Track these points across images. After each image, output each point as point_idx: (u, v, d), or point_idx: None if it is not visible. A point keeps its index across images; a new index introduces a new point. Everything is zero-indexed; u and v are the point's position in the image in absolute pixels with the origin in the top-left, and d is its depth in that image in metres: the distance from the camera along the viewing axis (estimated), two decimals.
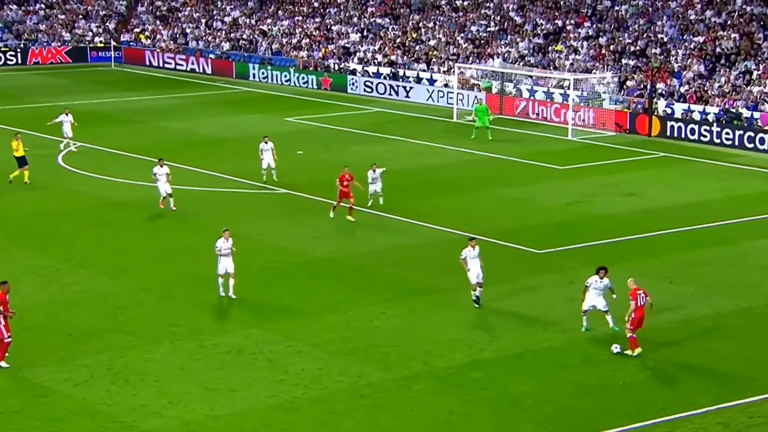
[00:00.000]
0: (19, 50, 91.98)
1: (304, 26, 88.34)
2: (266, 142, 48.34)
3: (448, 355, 29.59)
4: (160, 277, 36.33)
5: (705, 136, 59.55)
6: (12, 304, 28.88)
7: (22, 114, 68.67)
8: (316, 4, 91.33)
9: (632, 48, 68.88)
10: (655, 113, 62.20)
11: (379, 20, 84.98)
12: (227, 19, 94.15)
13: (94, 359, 29.16)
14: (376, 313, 32.86)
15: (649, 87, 63.19)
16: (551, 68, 70.08)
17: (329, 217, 42.72)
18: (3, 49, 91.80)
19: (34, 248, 39.66)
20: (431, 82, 74.47)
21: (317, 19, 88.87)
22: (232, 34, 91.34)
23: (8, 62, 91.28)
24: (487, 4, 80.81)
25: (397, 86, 75.46)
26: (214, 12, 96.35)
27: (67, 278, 36.21)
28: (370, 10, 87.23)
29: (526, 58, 72.42)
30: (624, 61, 68.10)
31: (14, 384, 27.75)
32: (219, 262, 33.76)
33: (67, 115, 55.99)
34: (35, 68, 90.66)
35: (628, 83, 65.89)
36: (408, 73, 76.48)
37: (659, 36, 69.16)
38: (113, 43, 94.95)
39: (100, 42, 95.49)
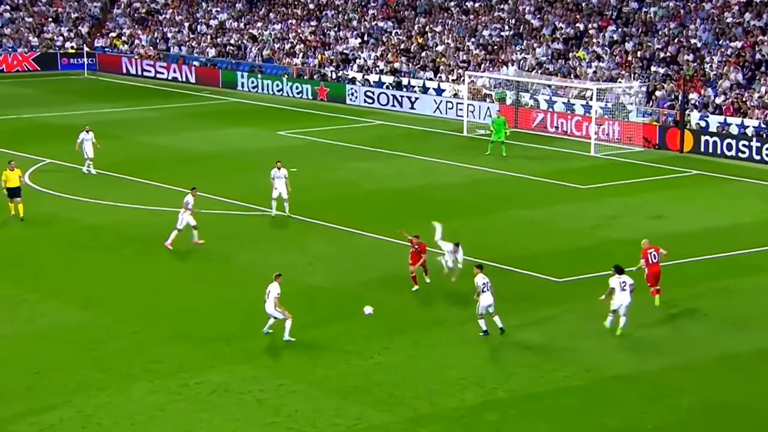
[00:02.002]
0: None
1: (298, 30, 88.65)
2: (279, 168, 46.62)
3: (458, 395, 29.61)
4: (138, 309, 36.34)
5: (743, 152, 59.68)
6: None
7: None
8: (311, 6, 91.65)
9: (662, 54, 69.09)
10: (688, 127, 62.33)
11: (381, 24, 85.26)
12: (213, 23, 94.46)
13: (64, 400, 29.12)
14: (377, 347, 32.88)
15: (680, 97, 63.34)
16: (572, 77, 70.28)
17: (413, 291, 38.23)
18: None
19: None
20: (439, 92, 74.67)
21: (313, 23, 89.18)
22: (218, 39, 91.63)
23: None
24: (501, 6, 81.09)
25: (401, 97, 75.67)
26: (199, 15, 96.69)
27: (35, 309, 36.23)
28: (371, 12, 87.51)
29: (544, 66, 72.64)
30: (653, 68, 68.31)
31: None
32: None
33: (87, 132, 55.05)
34: None
35: (658, 93, 66.07)
36: (413, 82, 76.70)
37: (692, 41, 69.36)
38: (86, 48, 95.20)
39: (72, 48, 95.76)
